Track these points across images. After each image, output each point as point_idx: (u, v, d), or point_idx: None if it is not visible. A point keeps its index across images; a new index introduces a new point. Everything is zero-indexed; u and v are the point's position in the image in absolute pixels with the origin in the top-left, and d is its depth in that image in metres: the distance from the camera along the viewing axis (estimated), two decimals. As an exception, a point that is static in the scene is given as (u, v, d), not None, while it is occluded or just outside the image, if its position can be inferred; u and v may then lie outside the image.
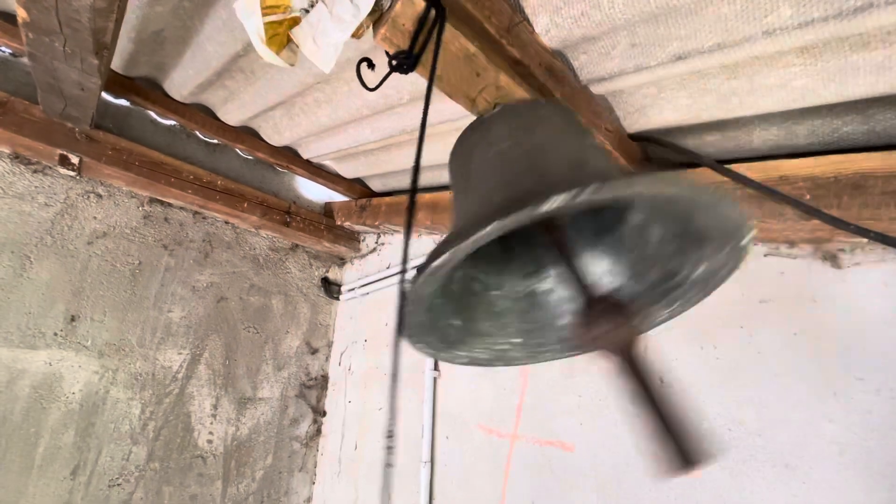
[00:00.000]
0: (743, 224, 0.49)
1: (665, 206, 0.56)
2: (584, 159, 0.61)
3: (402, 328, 0.54)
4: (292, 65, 0.65)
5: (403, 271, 0.54)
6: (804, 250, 1.00)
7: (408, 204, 0.54)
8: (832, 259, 0.95)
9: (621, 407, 1.19)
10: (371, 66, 0.70)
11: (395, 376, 0.50)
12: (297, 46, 0.65)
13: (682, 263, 0.59)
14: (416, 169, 0.55)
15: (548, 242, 0.70)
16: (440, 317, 0.64)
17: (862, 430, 0.86)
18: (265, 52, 0.62)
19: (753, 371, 1.01)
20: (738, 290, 1.07)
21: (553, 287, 0.72)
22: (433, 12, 0.65)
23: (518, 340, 0.70)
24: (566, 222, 0.70)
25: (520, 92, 0.80)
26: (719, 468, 1.00)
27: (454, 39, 0.68)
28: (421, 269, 0.49)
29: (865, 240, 0.87)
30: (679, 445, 0.42)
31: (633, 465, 1.13)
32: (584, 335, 0.51)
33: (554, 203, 0.40)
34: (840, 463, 0.87)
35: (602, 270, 0.69)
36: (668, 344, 1.15)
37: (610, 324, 0.49)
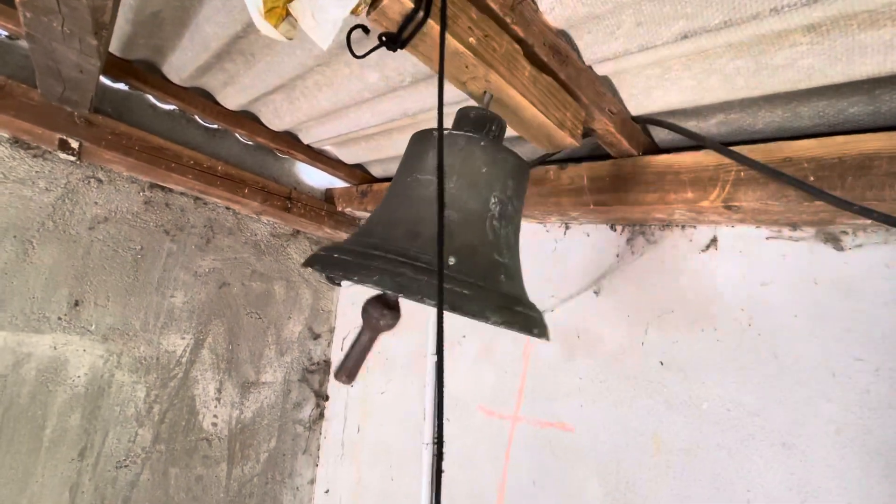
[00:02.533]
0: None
1: None
2: (471, 244, 0.71)
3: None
4: (290, 39, 0.65)
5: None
6: (806, 232, 1.00)
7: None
8: (834, 241, 0.96)
9: (621, 389, 1.21)
10: (366, 31, 0.70)
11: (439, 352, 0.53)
12: (296, 21, 0.64)
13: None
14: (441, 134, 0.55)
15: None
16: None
17: (860, 409, 0.87)
18: (263, 25, 0.61)
19: (753, 352, 1.02)
20: (738, 273, 1.08)
21: None
22: (420, 14, 0.65)
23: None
24: None
25: (508, 89, 0.81)
26: (717, 447, 1.02)
27: (453, 23, 0.68)
28: (313, 259, 0.67)
29: (868, 221, 0.87)
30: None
31: (632, 446, 1.15)
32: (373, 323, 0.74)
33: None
34: (837, 442, 0.88)
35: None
36: (669, 326, 1.15)
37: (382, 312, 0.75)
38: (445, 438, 1.60)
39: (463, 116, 0.81)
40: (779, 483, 0.93)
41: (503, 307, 0.62)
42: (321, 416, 2.14)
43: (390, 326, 0.70)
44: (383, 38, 0.68)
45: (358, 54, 0.70)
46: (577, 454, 1.25)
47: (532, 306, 0.73)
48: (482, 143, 0.75)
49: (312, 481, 2.06)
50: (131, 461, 1.60)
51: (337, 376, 0.70)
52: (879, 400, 0.86)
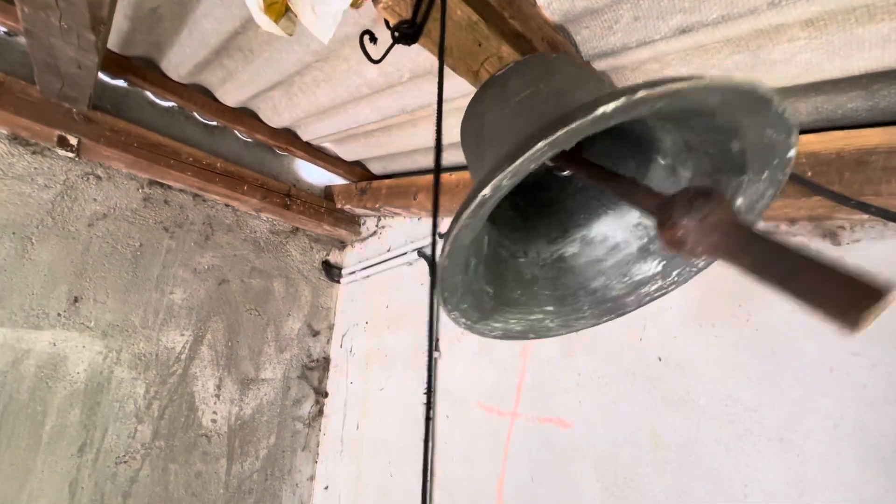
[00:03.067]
0: (787, 138, 0.45)
1: (706, 122, 0.49)
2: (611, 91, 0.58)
3: (438, 288, 0.50)
4: (290, 34, 0.65)
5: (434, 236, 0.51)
6: (804, 228, 1.00)
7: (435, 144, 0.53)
8: (832, 236, 0.96)
9: (619, 385, 1.21)
10: (373, 39, 0.69)
11: (431, 347, 0.51)
12: (296, 16, 0.64)
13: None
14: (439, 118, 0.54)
15: (586, 176, 0.62)
16: (474, 279, 0.61)
17: (856, 404, 0.87)
18: (263, 21, 0.61)
19: (751, 348, 1.02)
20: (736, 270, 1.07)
21: (580, 250, 0.70)
22: None
23: (551, 308, 0.68)
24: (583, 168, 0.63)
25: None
26: (715, 443, 1.02)
27: (456, 7, 0.67)
28: (463, 207, 0.43)
29: (866, 216, 0.87)
30: (845, 290, 0.32)
31: (630, 442, 1.15)
32: (680, 235, 0.42)
33: (612, 106, 0.36)
34: (834, 437, 0.89)
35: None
36: (667, 322, 1.16)
37: (704, 209, 0.41)
38: (444, 435, 1.60)
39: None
40: (776, 478, 0.93)
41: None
42: (320, 412, 2.14)
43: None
44: (396, 35, 0.66)
45: (374, 59, 0.69)
46: (575, 450, 1.25)
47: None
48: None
49: (312, 478, 2.06)
50: (131, 457, 1.60)
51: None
52: (876, 395, 0.86)
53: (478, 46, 0.73)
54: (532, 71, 0.65)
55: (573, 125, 0.37)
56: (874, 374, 0.87)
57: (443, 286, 0.54)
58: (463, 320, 0.61)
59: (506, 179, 0.41)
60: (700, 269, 0.65)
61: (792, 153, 0.48)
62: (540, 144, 0.38)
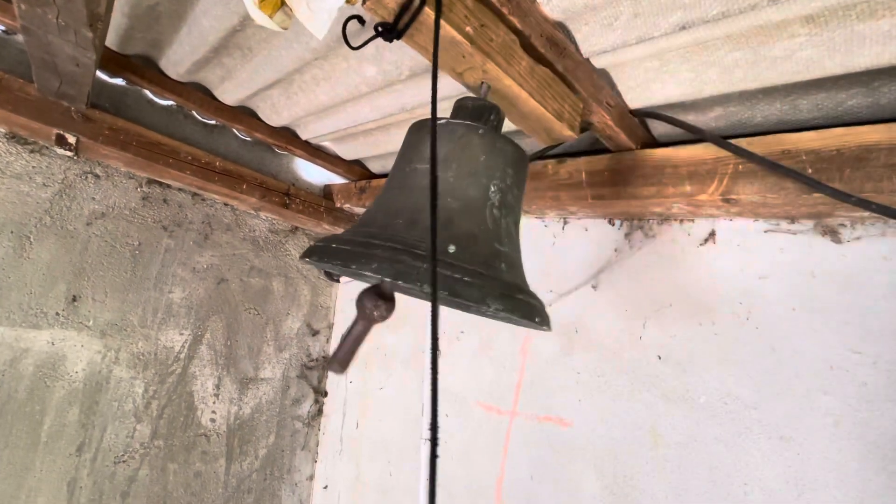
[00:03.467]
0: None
1: None
2: (470, 233, 0.70)
3: (434, 284, 0.59)
4: (285, 28, 0.65)
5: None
6: (804, 225, 1.00)
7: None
8: (832, 234, 0.95)
9: (619, 383, 1.21)
10: (361, 22, 0.69)
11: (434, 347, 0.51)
12: (291, 10, 0.64)
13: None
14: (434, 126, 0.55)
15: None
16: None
17: (857, 401, 0.87)
18: (258, 15, 0.61)
19: (750, 346, 1.02)
20: (736, 266, 1.07)
21: None
22: (416, 1, 0.64)
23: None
24: None
25: (506, 79, 0.80)
26: (715, 441, 1.02)
27: (444, 24, 0.68)
28: (311, 251, 0.68)
29: (866, 213, 0.86)
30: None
31: (629, 440, 1.15)
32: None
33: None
34: (835, 434, 0.88)
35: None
36: (667, 320, 1.15)
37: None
38: (444, 434, 1.60)
39: (460, 107, 0.81)
40: (776, 476, 0.93)
41: (505, 295, 0.62)
42: (320, 412, 2.14)
43: (384, 317, 0.70)
44: (379, 29, 0.67)
45: (354, 45, 0.70)
46: (574, 448, 1.25)
47: (533, 295, 0.73)
48: (480, 132, 0.75)
49: (311, 477, 2.06)
50: (129, 457, 1.60)
51: (329, 365, 0.70)
52: (877, 392, 0.86)
53: (461, 59, 0.74)
54: (444, 146, 0.73)
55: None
56: (875, 371, 0.86)
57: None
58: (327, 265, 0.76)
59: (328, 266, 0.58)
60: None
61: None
62: (341, 275, 0.53)
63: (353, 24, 1.04)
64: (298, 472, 2.02)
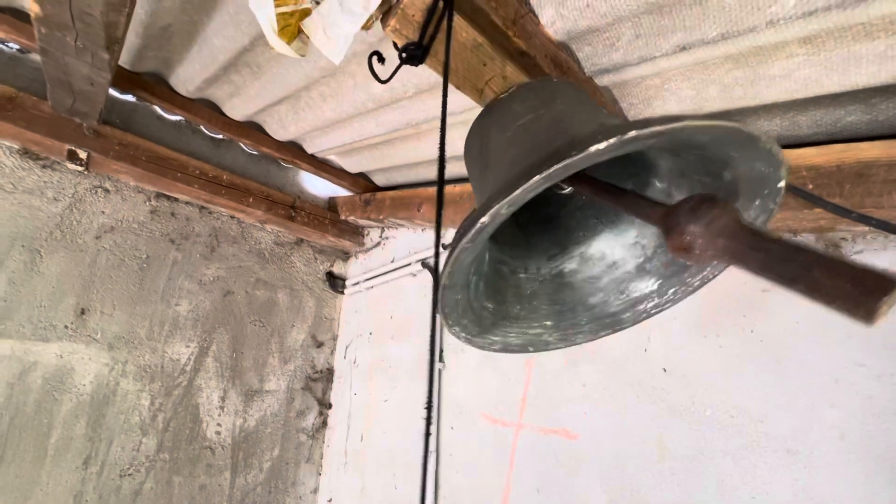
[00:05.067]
0: (776, 171, 0.47)
1: (697, 153, 0.52)
2: (609, 123, 0.60)
3: (440, 304, 0.52)
4: (303, 55, 0.67)
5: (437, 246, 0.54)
6: (807, 240, 1.01)
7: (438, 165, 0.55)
8: (835, 247, 0.97)
9: (625, 396, 1.21)
10: (381, 59, 0.71)
11: (433, 357, 0.51)
12: (308, 37, 0.66)
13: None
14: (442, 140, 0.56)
15: (589, 192, 0.61)
16: (475, 296, 0.63)
17: (863, 415, 0.87)
18: (277, 43, 0.63)
19: (756, 359, 1.02)
20: (740, 280, 1.08)
21: (579, 267, 0.72)
22: (441, 3, 0.66)
23: (549, 323, 0.70)
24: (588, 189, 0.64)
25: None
26: (722, 454, 1.02)
27: (462, 29, 0.69)
28: (463, 231, 0.46)
29: (867, 228, 0.88)
30: (857, 284, 0.33)
31: (636, 453, 1.15)
32: (687, 241, 0.43)
33: (605, 144, 0.38)
34: (841, 447, 0.89)
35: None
36: (672, 334, 1.16)
37: (710, 215, 0.42)
38: (449, 446, 1.60)
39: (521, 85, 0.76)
40: (784, 489, 0.93)
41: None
42: (324, 424, 2.13)
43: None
44: (403, 56, 0.69)
45: (383, 79, 0.71)
46: (581, 461, 1.25)
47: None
48: (555, 80, 0.72)
49: (315, 490, 2.05)
50: (135, 470, 1.60)
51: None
52: (883, 406, 0.86)
53: (482, 66, 0.75)
54: (534, 96, 0.67)
55: (566, 161, 0.40)
56: (879, 384, 0.87)
57: (444, 303, 0.56)
58: (463, 335, 0.63)
59: (504, 209, 0.44)
60: (695, 289, 0.66)
61: (781, 184, 0.50)
62: (535, 178, 0.41)
63: (358, 40, 1.07)
64: (303, 485, 2.02)
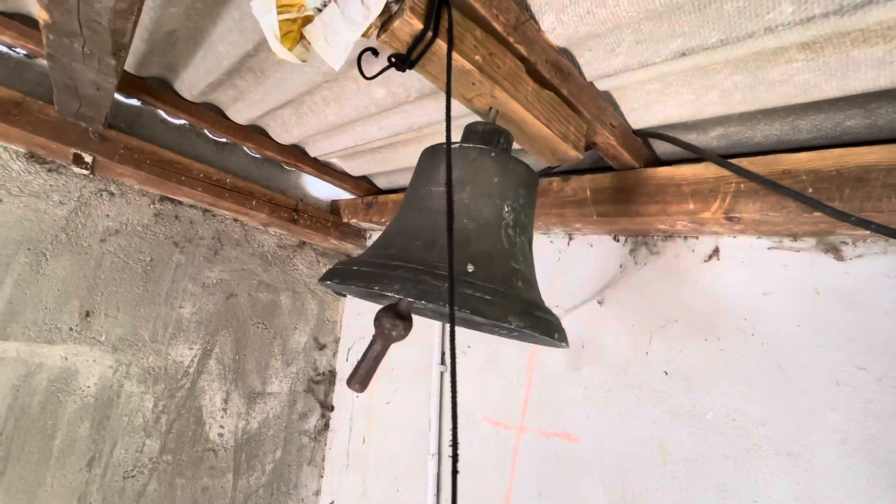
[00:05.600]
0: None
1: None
2: (487, 254, 0.72)
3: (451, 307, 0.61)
4: (304, 61, 0.68)
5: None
6: (807, 243, 1.01)
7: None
8: (835, 251, 0.97)
9: (626, 399, 1.21)
10: (375, 53, 0.72)
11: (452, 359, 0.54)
12: (310, 44, 0.67)
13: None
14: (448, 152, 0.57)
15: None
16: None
17: (864, 418, 0.88)
18: (279, 49, 0.64)
19: (757, 362, 1.03)
20: (741, 283, 1.09)
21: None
22: (429, 35, 0.68)
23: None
24: None
25: (513, 104, 0.83)
26: (723, 457, 1.02)
27: (456, 49, 0.71)
28: (331, 273, 0.70)
29: (868, 232, 0.88)
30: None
31: (638, 456, 1.15)
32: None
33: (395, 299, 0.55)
34: (842, 451, 0.89)
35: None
36: (673, 336, 1.16)
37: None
38: (450, 449, 1.60)
39: (472, 131, 0.84)
40: (785, 493, 0.93)
41: (525, 312, 0.64)
42: (326, 426, 2.14)
43: (402, 336, 0.72)
44: (392, 60, 0.70)
45: (368, 76, 0.73)
46: (582, 464, 1.25)
47: (550, 311, 0.75)
48: (492, 154, 0.78)
49: (317, 493, 2.06)
50: (138, 471, 1.61)
51: (349, 384, 0.71)
52: (884, 409, 0.87)
53: (471, 85, 0.78)
54: (457, 163, 0.76)
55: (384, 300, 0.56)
56: (880, 388, 0.87)
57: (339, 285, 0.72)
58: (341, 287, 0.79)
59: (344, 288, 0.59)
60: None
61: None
62: (362, 292, 0.54)
63: (360, 46, 1.08)
64: (305, 487, 2.02)
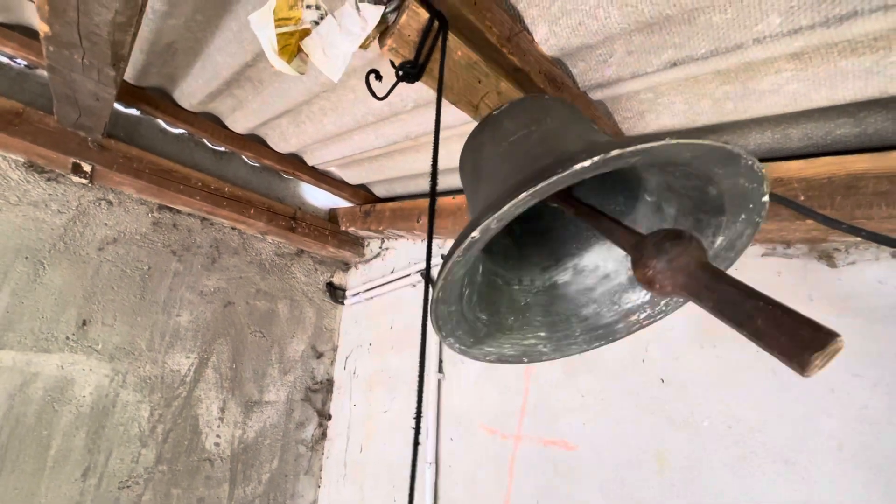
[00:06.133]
0: (759, 186, 0.49)
1: (683, 169, 0.53)
2: (596, 141, 0.61)
3: (433, 317, 0.53)
4: (302, 73, 0.69)
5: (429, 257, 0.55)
6: (800, 250, 1.02)
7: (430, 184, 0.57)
8: (828, 258, 0.98)
9: (623, 406, 1.21)
10: (378, 77, 0.73)
11: (421, 372, 0.51)
12: (307, 56, 0.68)
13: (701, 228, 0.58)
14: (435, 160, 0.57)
15: (573, 213, 0.67)
16: (468, 308, 0.64)
17: (859, 424, 0.88)
18: (277, 62, 0.65)
19: (753, 369, 1.03)
20: (736, 290, 1.09)
21: (572, 279, 0.74)
22: (436, 23, 0.69)
23: (543, 334, 0.72)
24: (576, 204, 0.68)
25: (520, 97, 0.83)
26: (720, 464, 1.02)
27: (457, 48, 0.71)
28: (455, 245, 0.47)
29: (859, 239, 0.89)
30: (797, 335, 0.37)
31: (635, 464, 1.15)
32: (650, 275, 0.47)
33: (589, 162, 0.40)
34: (839, 457, 0.89)
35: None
36: (670, 343, 1.17)
37: (674, 251, 0.45)
38: (448, 457, 1.59)
39: (515, 102, 0.78)
40: (782, 499, 0.93)
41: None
42: (323, 435, 2.13)
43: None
44: (400, 73, 0.71)
45: (379, 96, 0.73)
46: (580, 472, 1.24)
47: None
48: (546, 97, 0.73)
49: (314, 503, 2.04)
50: (133, 481, 1.59)
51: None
52: (879, 415, 0.87)
53: (477, 83, 0.77)
54: (525, 113, 0.69)
55: (552, 179, 0.42)
56: (875, 394, 0.87)
57: (437, 315, 0.57)
58: (458, 346, 0.64)
59: (493, 223, 0.45)
60: (684, 302, 0.67)
61: (765, 199, 0.52)
62: (522, 195, 0.42)
63: (358, 56, 1.09)
64: (301, 497, 2.00)
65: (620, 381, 1.23)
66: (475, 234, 0.45)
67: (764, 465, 0.97)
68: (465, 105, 0.80)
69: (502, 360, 0.70)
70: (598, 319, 0.71)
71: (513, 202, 0.42)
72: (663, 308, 0.69)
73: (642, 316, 0.69)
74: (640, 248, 0.48)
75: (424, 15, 0.68)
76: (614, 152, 0.40)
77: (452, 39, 0.69)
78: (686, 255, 0.44)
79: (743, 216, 0.54)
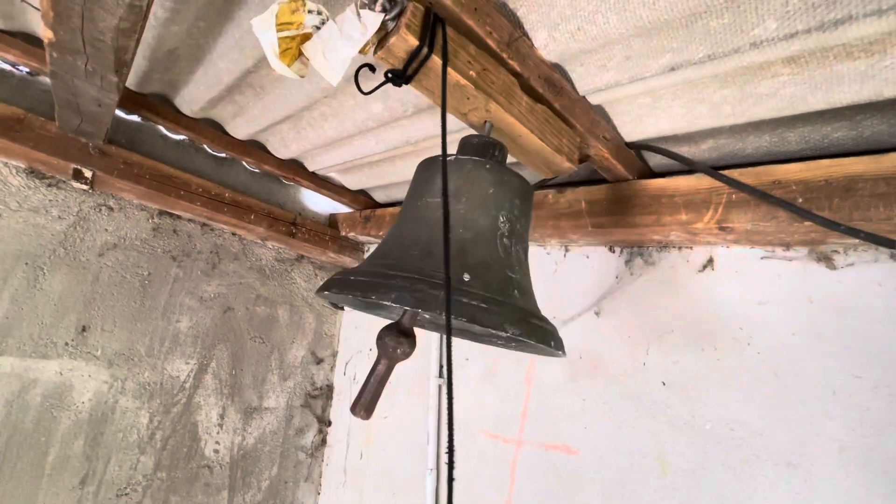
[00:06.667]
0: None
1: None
2: (484, 263, 0.73)
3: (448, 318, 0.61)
4: (302, 76, 0.70)
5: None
6: (799, 252, 1.02)
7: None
8: (826, 260, 0.98)
9: (625, 410, 1.21)
10: (372, 70, 0.74)
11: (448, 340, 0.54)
12: (308, 60, 0.69)
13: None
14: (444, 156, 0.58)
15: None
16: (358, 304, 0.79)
17: (861, 426, 0.88)
18: (278, 65, 0.66)
19: (753, 371, 1.03)
20: (735, 293, 1.10)
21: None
22: (424, 50, 0.70)
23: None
24: None
25: (507, 117, 0.85)
26: (722, 468, 1.02)
27: (451, 64, 0.74)
28: (329, 283, 0.71)
29: (858, 240, 0.89)
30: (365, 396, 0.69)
31: (637, 468, 1.15)
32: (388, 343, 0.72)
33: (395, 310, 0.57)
34: (840, 460, 0.88)
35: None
36: (669, 347, 1.17)
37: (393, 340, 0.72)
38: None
39: (466, 143, 0.85)
40: (784, 503, 0.93)
41: (521, 319, 0.64)
42: (323, 441, 2.12)
43: (407, 355, 0.71)
44: (389, 75, 0.72)
45: (365, 91, 0.75)
46: (582, 477, 1.24)
47: (546, 320, 0.75)
48: (487, 166, 0.79)
49: (314, 510, 2.02)
50: (132, 489, 1.58)
51: (354, 411, 0.68)
52: (881, 417, 0.87)
53: (466, 99, 0.80)
54: (456, 175, 0.78)
55: (382, 303, 0.61)
56: (876, 396, 0.87)
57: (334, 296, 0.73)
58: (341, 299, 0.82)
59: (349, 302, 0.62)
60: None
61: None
62: (356, 302, 0.58)
63: (358, 62, 1.10)
64: (301, 504, 1.99)
65: (622, 385, 1.23)
66: (327, 293, 0.70)
67: (766, 468, 0.96)
68: (454, 111, 0.83)
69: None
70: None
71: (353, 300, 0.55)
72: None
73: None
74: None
75: (413, 41, 0.70)
76: (428, 315, 0.55)
77: (435, 62, 0.72)
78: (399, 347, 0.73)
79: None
